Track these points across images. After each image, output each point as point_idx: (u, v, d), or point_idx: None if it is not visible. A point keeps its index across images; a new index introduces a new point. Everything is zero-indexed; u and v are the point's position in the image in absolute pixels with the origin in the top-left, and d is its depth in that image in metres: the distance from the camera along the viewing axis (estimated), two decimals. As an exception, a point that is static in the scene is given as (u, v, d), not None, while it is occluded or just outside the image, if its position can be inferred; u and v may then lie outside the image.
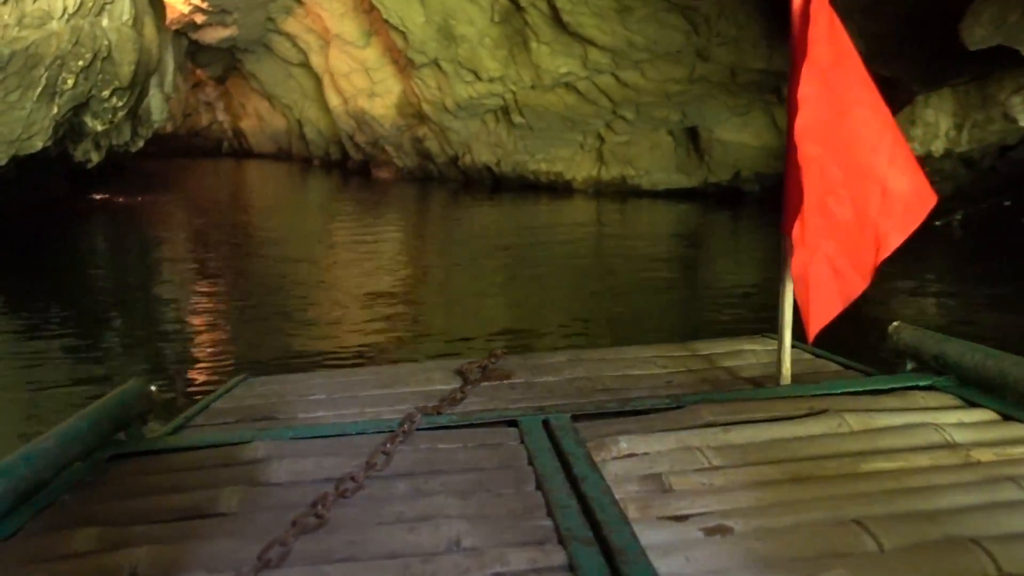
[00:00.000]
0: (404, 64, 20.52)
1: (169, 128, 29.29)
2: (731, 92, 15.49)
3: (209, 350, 6.53)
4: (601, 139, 18.32)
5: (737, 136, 16.13)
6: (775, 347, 2.19)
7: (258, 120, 39.29)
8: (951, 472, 1.46)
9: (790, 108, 1.92)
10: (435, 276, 10.21)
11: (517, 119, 18.53)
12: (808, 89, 1.86)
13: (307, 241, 13.16)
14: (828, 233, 1.91)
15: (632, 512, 1.34)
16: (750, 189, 16.85)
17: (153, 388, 2.06)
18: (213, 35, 27.69)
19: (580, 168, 19.22)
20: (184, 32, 27.59)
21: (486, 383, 2.32)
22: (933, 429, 1.65)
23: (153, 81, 17.23)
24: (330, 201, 21.40)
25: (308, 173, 31.51)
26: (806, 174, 1.86)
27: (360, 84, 23.53)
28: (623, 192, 18.41)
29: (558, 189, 19.69)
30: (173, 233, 14.78)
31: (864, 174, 1.90)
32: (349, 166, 29.68)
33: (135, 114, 17.30)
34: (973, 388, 1.89)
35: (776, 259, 2.13)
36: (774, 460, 1.54)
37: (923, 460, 1.52)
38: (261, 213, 18.24)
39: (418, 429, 1.79)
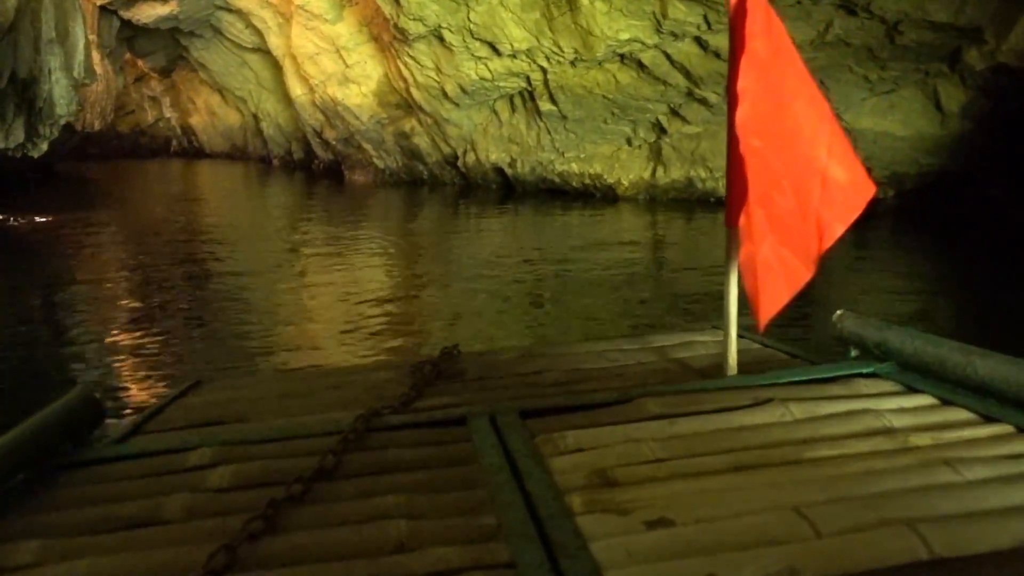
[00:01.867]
0: (389, 39, 16.35)
1: (98, 126, 24.67)
2: (878, 61, 11.30)
3: None
4: (661, 131, 14.10)
5: (878, 123, 11.90)
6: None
7: (209, 116, 36.68)
8: (889, 457, 1.48)
9: (730, 101, 1.91)
10: (430, 323, 7.51)
11: (546, 106, 14.34)
12: (747, 82, 1.84)
13: (272, 276, 9.71)
14: (773, 224, 1.90)
15: (576, 507, 1.35)
16: (882, 195, 12.38)
17: (98, 396, 2.02)
18: (149, 12, 23.57)
19: (627, 169, 15.11)
20: (114, 10, 23.35)
21: (438, 381, 2.26)
22: (873, 415, 1.68)
23: (54, 61, 12.64)
24: (296, 211, 17.46)
25: (268, 176, 28.36)
26: (749, 166, 1.85)
27: (330, 68, 19.85)
28: (688, 200, 14.37)
29: (594, 195, 15.63)
30: (78, 280, 10.18)
31: (805, 165, 1.91)
32: (315, 167, 26.33)
33: (31, 107, 12.73)
34: (913, 374, 1.92)
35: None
36: (719, 450, 1.56)
37: (863, 446, 1.54)
38: (210, 236, 13.67)
39: (368, 430, 1.78)
